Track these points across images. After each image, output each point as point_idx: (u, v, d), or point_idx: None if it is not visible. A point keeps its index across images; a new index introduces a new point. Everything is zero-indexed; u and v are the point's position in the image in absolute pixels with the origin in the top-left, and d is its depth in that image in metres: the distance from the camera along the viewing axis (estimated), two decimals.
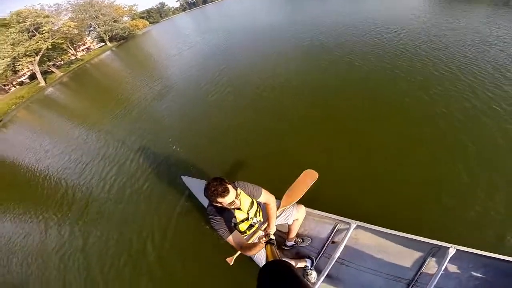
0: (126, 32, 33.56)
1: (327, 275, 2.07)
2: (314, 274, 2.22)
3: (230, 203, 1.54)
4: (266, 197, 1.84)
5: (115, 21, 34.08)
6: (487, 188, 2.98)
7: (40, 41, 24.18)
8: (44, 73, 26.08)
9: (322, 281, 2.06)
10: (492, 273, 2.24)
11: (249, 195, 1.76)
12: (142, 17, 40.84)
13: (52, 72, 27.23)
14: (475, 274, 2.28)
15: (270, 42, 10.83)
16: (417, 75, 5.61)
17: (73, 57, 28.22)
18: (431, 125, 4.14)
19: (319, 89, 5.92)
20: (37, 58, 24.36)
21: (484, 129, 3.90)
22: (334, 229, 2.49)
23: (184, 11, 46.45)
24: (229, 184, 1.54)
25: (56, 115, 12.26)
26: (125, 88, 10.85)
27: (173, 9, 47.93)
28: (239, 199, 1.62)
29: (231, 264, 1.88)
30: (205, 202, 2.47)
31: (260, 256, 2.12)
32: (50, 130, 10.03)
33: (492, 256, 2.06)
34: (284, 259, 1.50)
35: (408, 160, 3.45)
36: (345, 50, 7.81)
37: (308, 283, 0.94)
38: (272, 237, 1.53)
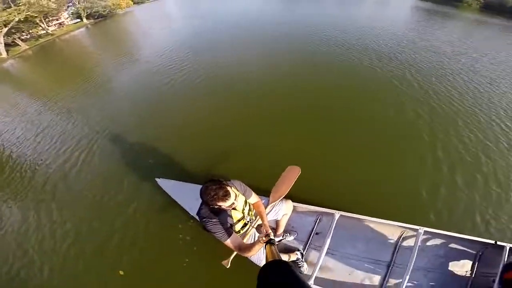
0: (107, 10, 31.74)
1: (316, 264, 2.17)
2: (305, 265, 2.35)
3: (230, 205, 1.51)
4: (256, 198, 1.85)
5: None
6: (448, 179, 3.54)
7: (13, 13, 21.98)
8: (8, 46, 23.81)
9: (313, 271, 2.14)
10: (453, 250, 2.62)
11: (243, 194, 1.75)
12: None
13: (17, 45, 24.96)
14: (440, 251, 2.62)
15: (254, 38, 10.59)
16: (390, 80, 6.23)
17: (43, 32, 26.04)
18: (399, 124, 4.50)
19: (296, 88, 6.11)
20: (5, 30, 22.18)
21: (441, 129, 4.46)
22: (317, 221, 2.63)
23: None
24: (228, 186, 1.50)
25: (10, 89, 11.10)
26: (92, 68, 10.13)
27: None
28: (237, 200, 1.58)
29: (227, 266, 1.87)
30: (186, 204, 2.63)
31: (260, 257, 2.09)
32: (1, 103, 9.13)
33: (452, 235, 2.46)
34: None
35: (380, 156, 3.86)
36: (329, 56, 8.04)
37: (306, 282, 0.87)
38: (272, 236, 1.52)
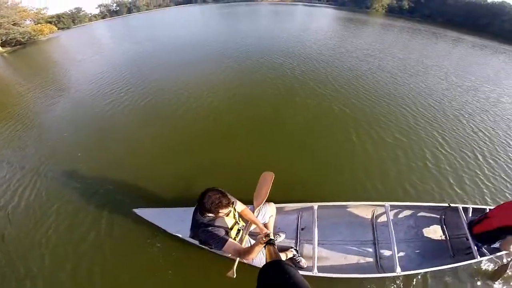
0: (26, 37, 28.40)
1: (312, 256, 2.25)
2: (303, 260, 2.42)
3: (228, 212, 1.55)
4: (242, 205, 1.92)
5: (14, 24, 28.48)
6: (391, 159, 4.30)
7: None
8: None
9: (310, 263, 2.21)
10: (420, 218, 2.93)
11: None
12: (50, 22, 35.57)
13: None
14: (410, 222, 2.91)
15: (194, 58, 10.69)
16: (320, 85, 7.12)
17: None
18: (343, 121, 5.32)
19: (244, 100, 6.36)
20: None
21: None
22: (299, 217, 2.76)
23: (104, 18, 42.21)
24: (232, 199, 1.55)
25: None
26: (13, 103, 8.72)
27: (90, 15, 43.15)
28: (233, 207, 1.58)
29: (234, 276, 1.81)
30: (171, 228, 2.53)
31: (261, 259, 2.09)
32: None
33: (412, 204, 2.81)
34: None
35: (339, 147, 4.54)
36: (264, 69, 8.66)
37: (305, 281, 0.95)
38: (272, 236, 1.53)
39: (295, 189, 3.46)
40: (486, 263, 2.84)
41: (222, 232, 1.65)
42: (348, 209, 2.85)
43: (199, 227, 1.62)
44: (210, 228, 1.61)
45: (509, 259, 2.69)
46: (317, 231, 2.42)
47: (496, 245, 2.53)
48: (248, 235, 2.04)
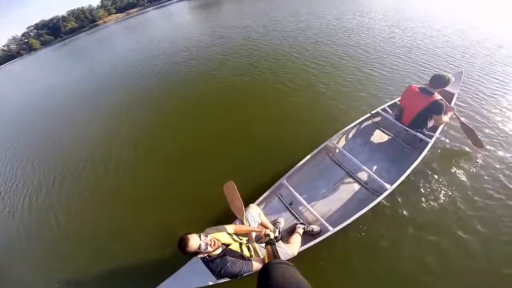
0: None
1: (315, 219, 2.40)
2: (312, 226, 2.46)
3: (206, 245, 1.54)
4: (231, 226, 1.94)
5: None
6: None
7: None
8: None
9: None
10: (360, 133, 3.33)
11: (219, 232, 1.79)
12: None
13: None
14: (358, 141, 3.26)
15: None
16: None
17: None
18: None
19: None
20: None
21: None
22: (280, 197, 2.79)
23: None
24: (190, 234, 1.53)
25: None
26: None
27: None
28: (213, 240, 1.60)
29: None
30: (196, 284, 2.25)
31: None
32: None
33: (349, 127, 3.18)
34: (287, 245, 2.09)
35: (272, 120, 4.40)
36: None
37: (306, 281, 0.83)
38: (272, 236, 1.64)
39: (258, 177, 3.31)
40: (441, 141, 3.21)
41: (239, 259, 1.70)
42: (310, 163, 2.95)
43: (220, 268, 1.65)
44: (229, 263, 1.65)
45: (456, 117, 2.99)
46: (302, 198, 2.50)
47: (430, 124, 2.87)
48: (257, 242, 2.06)
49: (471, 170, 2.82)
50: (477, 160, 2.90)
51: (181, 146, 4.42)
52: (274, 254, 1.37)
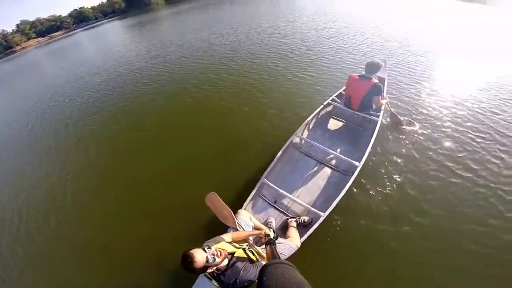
0: None
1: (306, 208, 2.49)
2: (305, 217, 2.52)
3: (213, 256, 1.45)
4: (227, 234, 1.90)
5: None
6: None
7: None
8: None
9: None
10: (320, 124, 3.62)
11: (217, 243, 1.73)
12: None
13: None
14: (318, 131, 3.54)
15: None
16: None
17: None
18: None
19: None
20: None
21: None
22: (264, 197, 2.79)
23: None
24: (193, 249, 1.43)
25: None
26: None
27: None
28: (218, 250, 1.52)
29: None
30: None
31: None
32: None
33: (308, 119, 3.41)
34: (288, 239, 2.11)
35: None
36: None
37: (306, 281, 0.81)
38: (271, 236, 1.65)
39: (236, 184, 3.27)
40: (385, 121, 3.68)
41: (249, 264, 1.67)
42: (282, 161, 3.05)
43: (234, 278, 1.54)
44: (241, 271, 1.57)
45: (390, 109, 3.57)
46: (285, 193, 2.57)
47: (374, 106, 3.32)
48: (258, 247, 2.03)
49: (412, 145, 3.33)
50: (415, 135, 3.46)
51: (143, 175, 4.01)
52: (274, 254, 1.36)
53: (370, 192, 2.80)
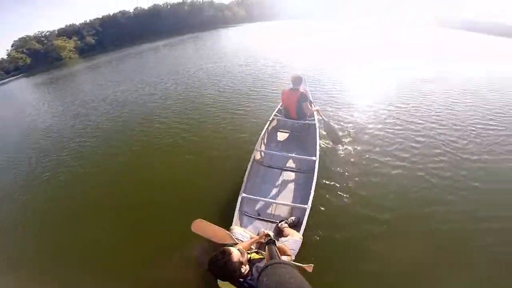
0: None
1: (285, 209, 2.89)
2: (292, 218, 2.69)
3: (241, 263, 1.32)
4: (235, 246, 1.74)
5: None
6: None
7: None
8: None
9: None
10: (270, 137, 4.11)
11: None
12: None
13: None
14: (272, 146, 4.00)
15: None
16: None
17: None
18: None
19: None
20: None
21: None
22: (245, 213, 2.86)
23: None
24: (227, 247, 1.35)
25: None
26: None
27: None
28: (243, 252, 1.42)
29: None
30: None
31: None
32: None
33: (260, 136, 3.77)
34: (289, 236, 2.22)
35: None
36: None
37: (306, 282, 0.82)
38: (271, 235, 1.64)
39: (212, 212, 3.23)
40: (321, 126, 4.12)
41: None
42: (251, 179, 3.20)
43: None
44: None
45: (321, 117, 4.07)
46: (266, 199, 2.81)
47: (308, 113, 3.94)
48: (261, 245, 2.04)
49: (350, 153, 4.01)
50: (350, 144, 4.19)
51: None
52: (274, 254, 1.35)
53: (326, 207, 3.01)
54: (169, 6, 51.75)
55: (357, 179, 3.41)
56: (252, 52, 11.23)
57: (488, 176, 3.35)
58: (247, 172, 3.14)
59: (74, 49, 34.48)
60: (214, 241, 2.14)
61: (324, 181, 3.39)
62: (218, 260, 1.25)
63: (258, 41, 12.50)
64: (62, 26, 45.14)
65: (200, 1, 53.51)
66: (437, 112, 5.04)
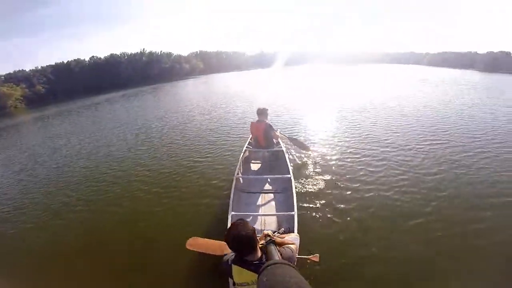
0: None
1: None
2: (282, 228, 2.53)
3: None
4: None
5: None
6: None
7: None
8: None
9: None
10: (246, 166, 4.54)
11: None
12: None
13: None
14: (252, 166, 4.68)
15: None
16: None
17: None
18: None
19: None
20: None
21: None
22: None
23: None
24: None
25: None
26: None
27: None
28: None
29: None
30: None
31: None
32: None
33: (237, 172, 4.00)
34: (286, 236, 2.07)
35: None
36: None
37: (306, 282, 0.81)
38: (271, 235, 1.56)
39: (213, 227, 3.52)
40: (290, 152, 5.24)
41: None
42: (237, 204, 3.38)
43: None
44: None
45: (284, 137, 4.99)
46: (254, 213, 3.14)
47: (275, 141, 4.64)
48: (268, 244, 2.07)
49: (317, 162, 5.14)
50: (316, 154, 5.38)
51: None
52: (274, 254, 1.34)
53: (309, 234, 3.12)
54: (126, 57, 51.08)
55: (329, 208, 3.67)
56: (213, 100, 12.90)
57: (450, 183, 3.89)
58: (231, 195, 3.34)
59: (21, 98, 31.93)
60: (211, 254, 2.17)
61: (301, 204, 3.69)
62: (240, 224, 1.34)
63: (219, 90, 14.39)
64: (10, 71, 42.96)
65: (158, 53, 53.70)
66: (385, 137, 6.21)
